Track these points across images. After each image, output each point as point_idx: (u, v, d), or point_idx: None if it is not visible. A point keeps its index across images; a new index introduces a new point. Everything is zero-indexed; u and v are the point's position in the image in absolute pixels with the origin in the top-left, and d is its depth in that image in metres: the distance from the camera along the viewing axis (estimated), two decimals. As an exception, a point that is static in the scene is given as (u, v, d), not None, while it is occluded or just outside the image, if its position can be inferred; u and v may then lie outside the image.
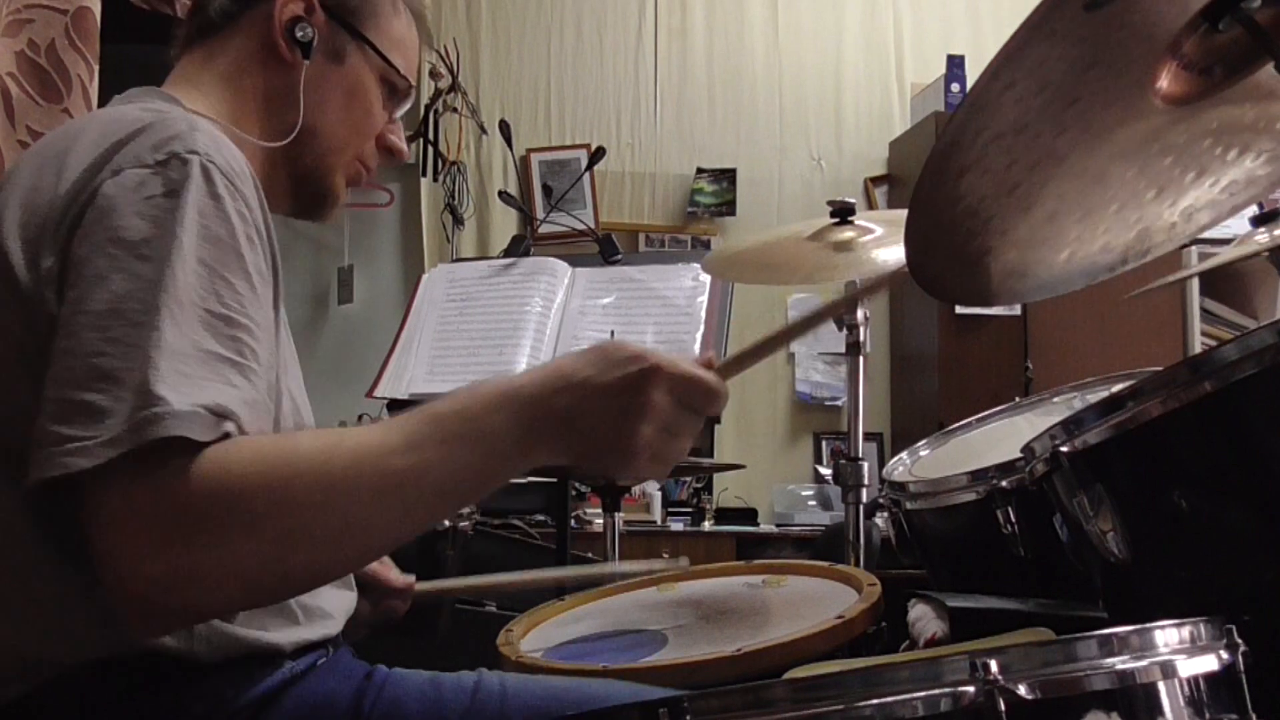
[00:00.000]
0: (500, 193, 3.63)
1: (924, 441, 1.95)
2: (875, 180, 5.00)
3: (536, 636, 1.51)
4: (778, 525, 4.52)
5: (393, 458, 0.87)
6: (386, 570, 1.38)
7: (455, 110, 4.72)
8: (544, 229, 4.09)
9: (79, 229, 0.91)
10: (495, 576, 1.55)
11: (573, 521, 2.84)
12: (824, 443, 4.84)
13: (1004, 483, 1.48)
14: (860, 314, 2.00)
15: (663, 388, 0.91)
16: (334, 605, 1.10)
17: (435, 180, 4.76)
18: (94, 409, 0.82)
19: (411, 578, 1.40)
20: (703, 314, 2.25)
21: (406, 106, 1.26)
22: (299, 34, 1.15)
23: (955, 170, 1.05)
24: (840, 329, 2.03)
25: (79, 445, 0.81)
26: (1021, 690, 0.78)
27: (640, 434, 0.90)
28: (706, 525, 4.47)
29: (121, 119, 0.99)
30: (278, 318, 1.01)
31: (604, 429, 0.91)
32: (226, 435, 0.84)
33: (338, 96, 1.18)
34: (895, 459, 1.93)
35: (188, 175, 0.92)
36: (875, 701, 0.78)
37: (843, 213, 1.94)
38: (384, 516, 0.88)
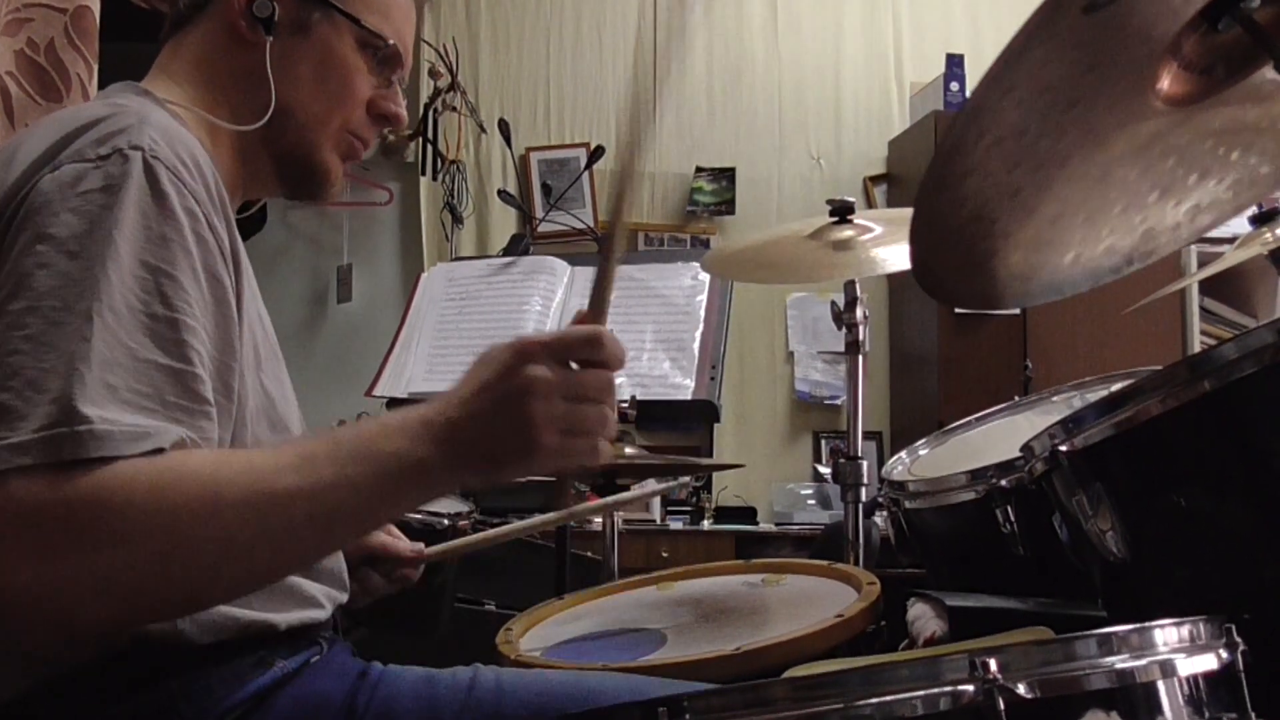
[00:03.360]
0: (499, 191, 3.64)
1: (923, 440, 1.95)
2: (874, 179, 5.00)
3: (535, 635, 1.51)
4: (777, 524, 4.52)
5: (283, 475, 0.85)
6: (395, 541, 1.37)
7: (454, 109, 4.72)
8: (543, 228, 4.10)
9: (12, 226, 0.90)
10: (497, 530, 1.54)
11: (571, 520, 2.83)
12: (823, 441, 4.84)
13: (1003, 482, 1.48)
14: (860, 313, 2.00)
15: (537, 360, 0.89)
16: (323, 595, 1.09)
17: (434, 179, 4.75)
18: (5, 409, 0.82)
19: (420, 545, 1.39)
20: (702, 313, 2.25)
21: (402, 70, 1.21)
22: (257, 10, 1.12)
23: (958, 175, 1.05)
24: (839, 327, 2.03)
25: None
26: (1021, 689, 0.78)
27: (534, 411, 0.88)
28: (706, 524, 4.47)
29: (77, 114, 0.97)
30: (242, 313, 0.99)
31: (500, 421, 0.89)
32: (149, 452, 0.83)
33: (309, 70, 1.14)
34: (894, 458, 1.93)
35: (128, 172, 0.91)
36: (874, 700, 0.78)
37: (842, 211, 1.94)
38: (271, 535, 0.86)
